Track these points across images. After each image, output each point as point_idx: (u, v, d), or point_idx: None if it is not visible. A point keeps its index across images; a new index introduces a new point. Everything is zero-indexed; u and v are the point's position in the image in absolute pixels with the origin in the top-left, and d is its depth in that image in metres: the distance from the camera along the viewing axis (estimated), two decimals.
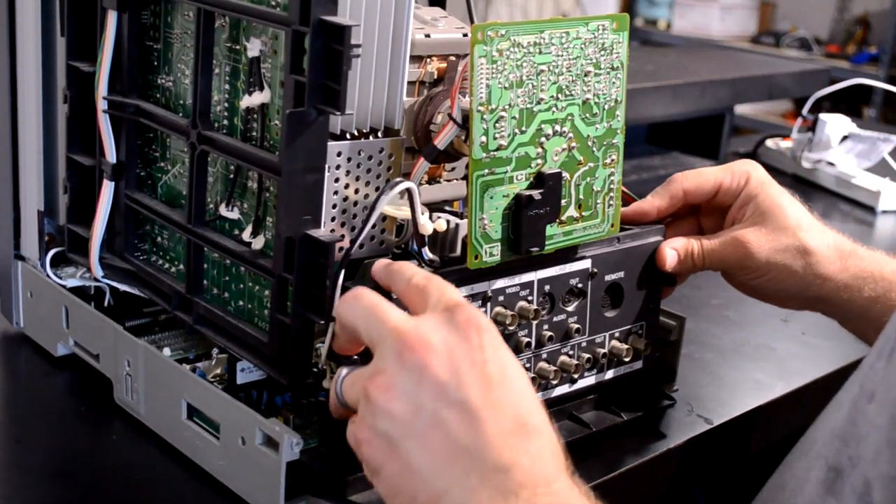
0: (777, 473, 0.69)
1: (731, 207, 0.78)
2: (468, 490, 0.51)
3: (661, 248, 0.76)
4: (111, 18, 0.71)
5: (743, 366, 0.90)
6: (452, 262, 0.68)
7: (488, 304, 0.66)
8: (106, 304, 0.79)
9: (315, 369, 0.64)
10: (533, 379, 0.69)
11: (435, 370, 0.52)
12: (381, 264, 0.60)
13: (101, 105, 0.72)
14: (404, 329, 0.54)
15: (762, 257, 0.75)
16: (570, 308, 0.71)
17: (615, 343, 0.74)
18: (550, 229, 0.69)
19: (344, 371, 0.58)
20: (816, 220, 0.78)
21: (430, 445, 0.52)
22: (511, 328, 0.67)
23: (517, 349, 0.68)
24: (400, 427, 0.53)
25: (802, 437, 0.69)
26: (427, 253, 0.66)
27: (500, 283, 0.67)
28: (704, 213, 0.80)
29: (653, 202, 0.78)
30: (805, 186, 1.54)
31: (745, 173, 0.78)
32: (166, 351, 0.71)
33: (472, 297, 0.65)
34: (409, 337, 0.53)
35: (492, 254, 0.66)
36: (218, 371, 0.70)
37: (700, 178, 0.78)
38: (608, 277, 0.73)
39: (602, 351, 0.73)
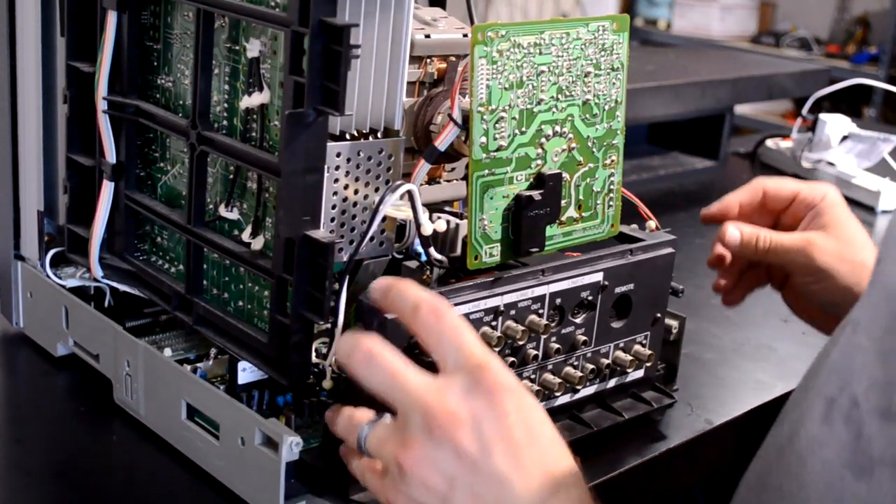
0: (775, 427, 0.70)
1: (803, 219, 0.81)
2: None
3: (725, 225, 0.78)
4: (111, 18, 0.71)
5: (743, 366, 0.90)
6: (453, 264, 0.68)
7: (500, 318, 0.66)
8: (106, 304, 0.79)
9: (315, 369, 0.64)
10: (537, 392, 0.69)
11: (465, 445, 0.54)
12: (380, 286, 0.60)
13: (101, 105, 0.72)
14: (431, 403, 0.55)
15: (825, 262, 0.77)
16: (579, 320, 0.71)
17: (619, 353, 0.74)
18: (550, 230, 0.69)
19: (366, 428, 0.58)
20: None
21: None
22: (521, 342, 0.67)
23: (524, 361, 0.68)
24: (437, 499, 0.55)
25: (795, 388, 0.70)
26: (433, 253, 0.66)
27: (511, 297, 0.66)
28: (779, 226, 0.82)
29: (734, 196, 0.81)
30: None
31: (823, 190, 0.81)
32: (167, 351, 0.71)
33: (485, 312, 0.65)
34: (438, 412, 0.55)
35: (492, 254, 0.66)
36: (219, 371, 0.70)
37: (780, 183, 0.82)
38: (618, 290, 0.72)
39: (606, 361, 0.73)
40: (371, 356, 0.57)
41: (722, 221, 0.81)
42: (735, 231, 0.78)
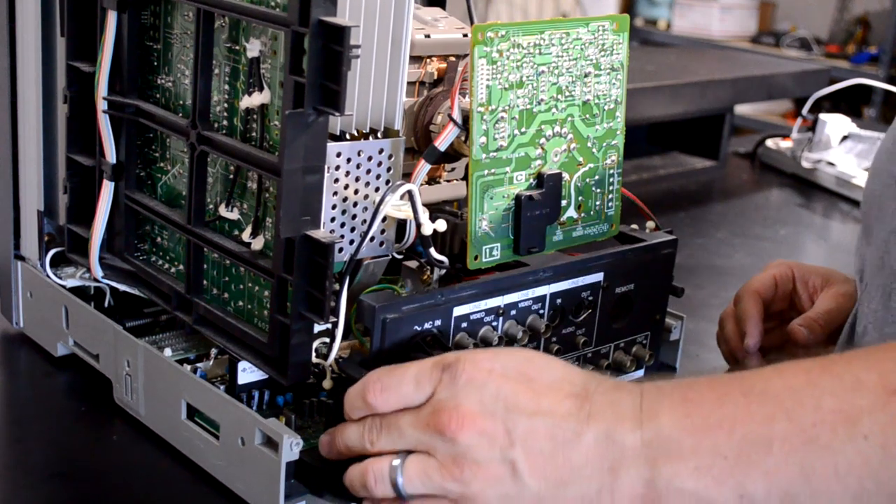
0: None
1: (795, 295, 0.84)
2: (588, 461, 0.54)
3: (794, 328, 0.79)
4: (111, 18, 0.71)
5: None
6: (453, 264, 0.68)
7: (500, 319, 0.66)
8: (106, 304, 0.79)
9: (315, 369, 0.64)
10: None
11: (485, 420, 0.55)
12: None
13: (101, 105, 0.72)
14: (429, 417, 0.56)
15: (850, 300, 0.80)
16: (579, 320, 0.71)
17: (619, 353, 0.74)
18: (550, 230, 0.69)
19: (399, 472, 0.57)
20: None
21: (536, 469, 0.54)
22: (521, 343, 0.67)
23: None
24: (510, 483, 0.55)
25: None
26: (434, 253, 0.66)
27: (512, 298, 0.66)
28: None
29: (753, 330, 0.82)
30: (805, 186, 1.54)
31: (782, 263, 0.85)
32: (167, 351, 0.71)
33: (486, 312, 0.65)
34: (440, 419, 0.55)
35: (492, 254, 0.66)
36: (219, 371, 0.70)
37: (755, 281, 0.84)
38: (619, 290, 0.72)
39: (606, 362, 0.73)
40: (368, 427, 0.58)
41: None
42: (801, 329, 0.80)
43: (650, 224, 0.77)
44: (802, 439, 0.51)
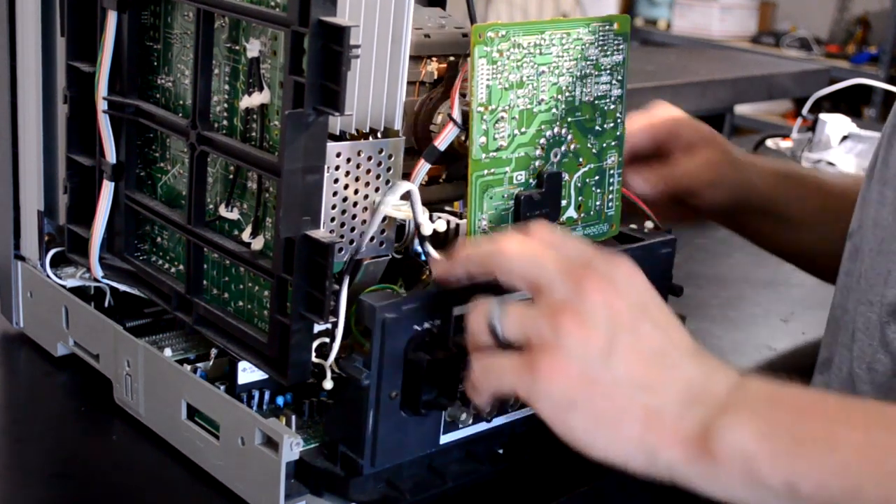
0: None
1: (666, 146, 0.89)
2: (678, 386, 0.56)
3: (632, 176, 0.84)
4: (111, 18, 0.71)
5: (743, 365, 0.91)
6: None
7: None
8: (106, 304, 0.79)
9: (315, 370, 0.64)
10: None
11: (619, 301, 0.56)
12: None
13: (101, 105, 0.72)
14: (578, 269, 0.57)
15: (711, 169, 0.88)
16: None
17: None
18: None
19: (496, 306, 0.58)
20: None
21: (630, 362, 0.55)
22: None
23: None
24: (599, 354, 0.55)
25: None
26: (433, 252, 0.66)
27: (512, 296, 0.66)
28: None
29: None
30: None
31: (665, 108, 0.90)
32: (167, 351, 0.71)
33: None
34: (586, 275, 0.56)
35: None
36: (219, 371, 0.70)
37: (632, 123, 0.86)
38: None
39: None
40: (522, 239, 0.59)
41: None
42: (639, 180, 0.84)
43: (649, 224, 0.77)
44: (867, 455, 0.52)
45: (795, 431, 0.53)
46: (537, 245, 0.59)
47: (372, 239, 0.66)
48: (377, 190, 0.65)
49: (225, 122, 0.67)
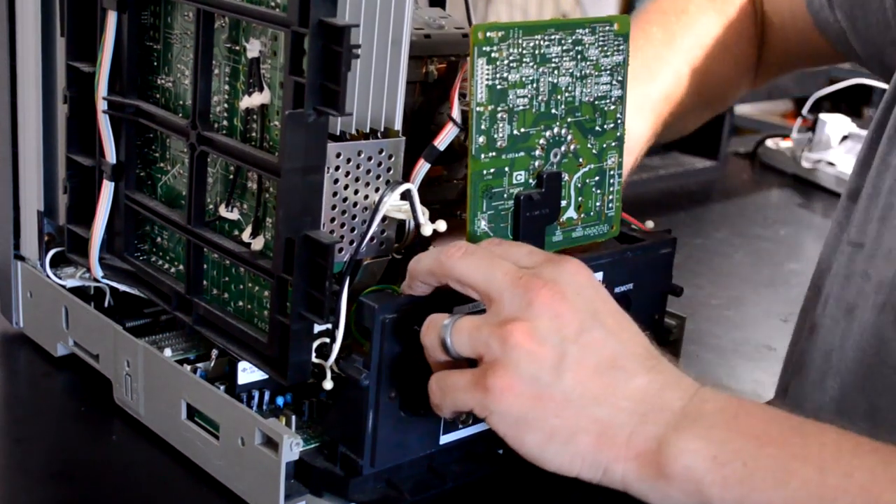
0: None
1: None
2: (631, 398, 0.55)
3: None
4: (111, 19, 0.71)
5: (743, 366, 0.91)
6: None
7: None
8: (106, 304, 0.79)
9: (315, 370, 0.64)
10: None
11: (569, 313, 0.55)
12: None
13: (101, 105, 0.72)
14: (527, 280, 0.56)
15: None
16: None
17: None
18: (550, 230, 0.69)
19: (447, 320, 0.58)
20: None
21: (581, 375, 0.54)
22: None
23: None
24: (549, 369, 0.54)
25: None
26: None
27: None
28: None
29: None
30: (805, 186, 1.54)
31: None
32: (167, 351, 0.71)
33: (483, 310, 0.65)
34: (535, 286, 0.55)
35: None
36: (219, 371, 0.70)
37: None
38: (618, 290, 0.72)
39: None
40: (469, 250, 0.59)
41: None
42: None
43: (649, 223, 0.77)
44: (818, 494, 0.51)
45: (748, 459, 0.52)
46: (484, 254, 0.58)
47: (372, 239, 0.66)
48: (377, 190, 0.65)
49: (225, 123, 0.67)
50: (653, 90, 0.87)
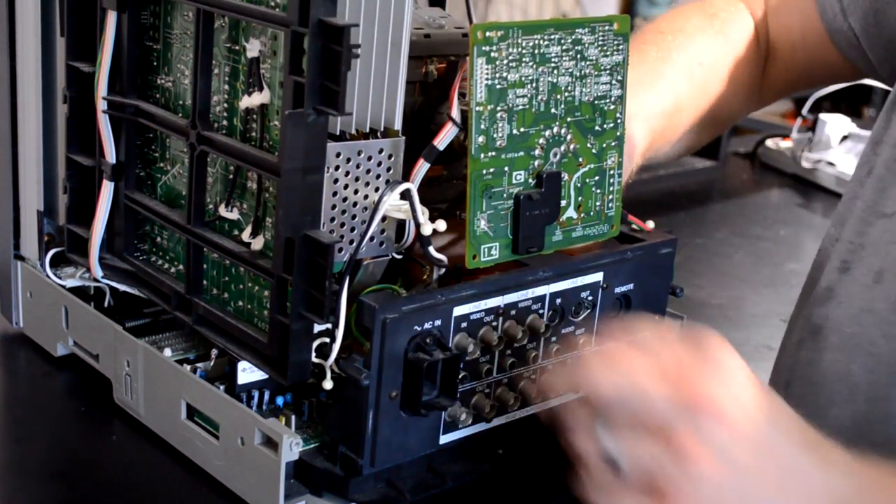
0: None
1: None
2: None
3: None
4: (111, 18, 0.71)
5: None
6: (457, 267, 0.68)
7: (500, 319, 0.66)
8: (106, 304, 0.79)
9: (315, 370, 0.64)
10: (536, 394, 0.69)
11: (736, 425, 0.55)
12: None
13: (101, 105, 0.72)
14: (682, 393, 0.55)
15: None
16: (579, 320, 0.71)
17: None
18: (550, 229, 0.69)
19: (606, 436, 0.56)
20: None
21: (764, 484, 0.55)
22: (521, 342, 0.66)
23: (525, 362, 0.68)
24: (731, 490, 0.54)
25: None
26: (433, 253, 0.66)
27: (512, 298, 0.66)
28: None
29: None
30: (805, 186, 1.54)
31: None
32: (167, 351, 0.71)
33: (486, 312, 0.65)
34: (695, 399, 0.55)
35: (490, 254, 0.66)
36: (219, 371, 0.70)
37: None
38: (618, 290, 0.72)
39: None
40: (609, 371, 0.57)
41: None
42: None
43: (650, 224, 0.77)
44: None
45: None
46: (632, 369, 0.57)
47: (372, 239, 0.66)
48: (377, 190, 0.65)
49: (225, 122, 0.67)
50: (649, 99, 0.86)
